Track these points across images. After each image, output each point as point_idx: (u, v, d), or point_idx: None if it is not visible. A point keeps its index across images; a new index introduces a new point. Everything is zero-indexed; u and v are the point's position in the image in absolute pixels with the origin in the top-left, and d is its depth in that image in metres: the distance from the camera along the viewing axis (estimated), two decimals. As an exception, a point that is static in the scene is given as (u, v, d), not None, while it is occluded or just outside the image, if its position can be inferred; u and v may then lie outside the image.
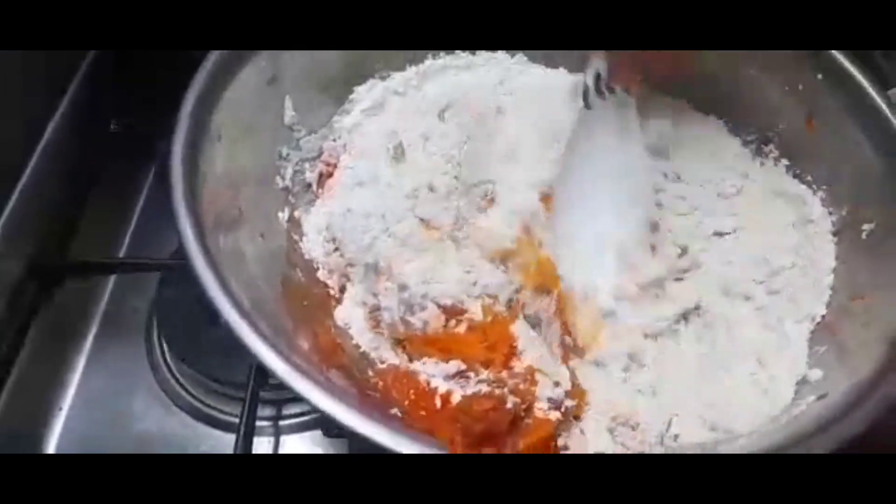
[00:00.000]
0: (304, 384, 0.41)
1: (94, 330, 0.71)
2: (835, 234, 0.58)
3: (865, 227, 0.56)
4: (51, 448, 0.64)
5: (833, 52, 0.58)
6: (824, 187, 0.60)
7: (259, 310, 0.46)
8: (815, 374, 0.50)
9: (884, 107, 0.56)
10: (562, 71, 0.70)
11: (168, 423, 0.66)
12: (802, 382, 0.50)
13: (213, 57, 0.54)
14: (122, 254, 0.77)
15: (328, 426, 0.61)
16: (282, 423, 0.66)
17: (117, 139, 0.81)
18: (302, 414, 0.66)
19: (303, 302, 0.56)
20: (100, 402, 0.67)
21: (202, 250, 0.46)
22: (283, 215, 0.59)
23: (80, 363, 0.69)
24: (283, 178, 0.60)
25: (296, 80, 0.61)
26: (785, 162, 0.63)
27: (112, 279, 0.74)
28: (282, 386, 0.61)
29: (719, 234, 0.61)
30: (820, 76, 0.60)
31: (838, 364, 0.50)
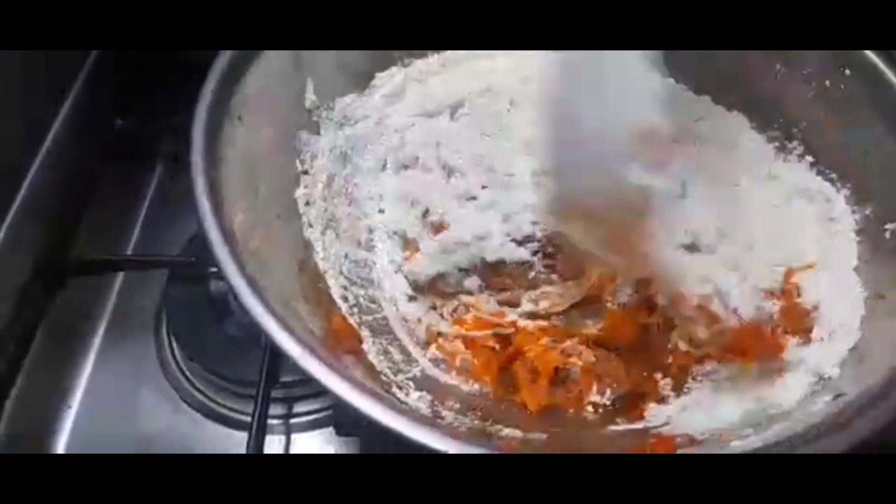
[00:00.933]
0: (316, 366, 0.41)
1: (102, 329, 0.71)
2: (858, 232, 0.57)
3: (889, 226, 0.55)
4: (60, 447, 0.64)
5: (861, 47, 0.57)
6: (849, 185, 0.59)
7: (273, 289, 0.47)
8: (833, 371, 0.49)
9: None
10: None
11: (178, 422, 0.65)
12: (820, 380, 0.49)
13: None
14: (129, 252, 0.77)
15: (340, 424, 0.61)
16: (293, 421, 0.66)
17: (123, 137, 0.82)
18: (313, 412, 0.66)
19: (318, 284, 0.56)
20: (109, 400, 0.67)
21: (218, 227, 0.46)
22: (301, 199, 0.60)
23: (89, 362, 0.69)
24: (301, 161, 0.60)
25: (318, 65, 0.62)
26: (809, 159, 0.62)
27: (119, 277, 0.74)
28: (293, 383, 0.64)
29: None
30: (847, 72, 0.59)
31: (856, 363, 0.49)
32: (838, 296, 0.54)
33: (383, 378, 0.52)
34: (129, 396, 0.67)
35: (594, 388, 0.55)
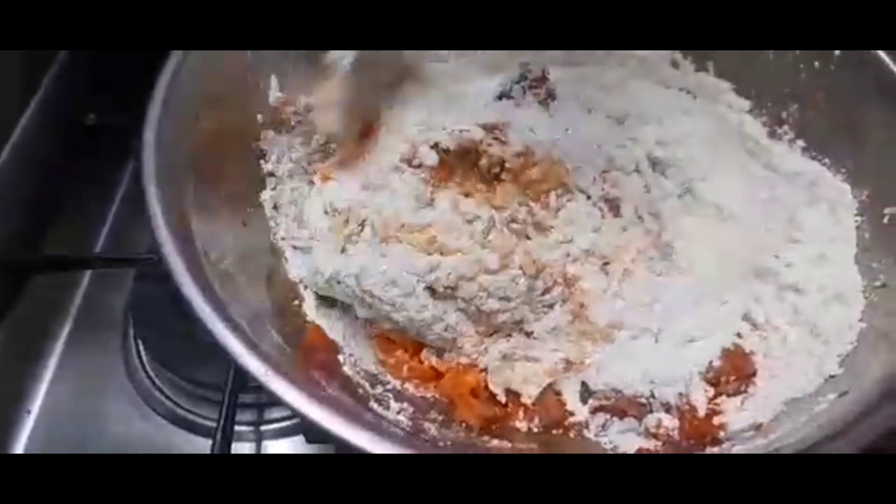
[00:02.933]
0: (281, 385, 0.37)
1: (66, 329, 0.68)
2: (856, 217, 0.54)
3: (888, 210, 0.52)
4: (18, 453, 0.61)
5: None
6: (843, 170, 0.57)
7: (239, 306, 0.43)
8: (836, 369, 0.47)
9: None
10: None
11: (143, 428, 0.63)
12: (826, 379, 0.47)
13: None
14: (97, 250, 0.73)
15: (310, 431, 0.58)
16: (263, 427, 0.63)
17: (95, 133, 0.78)
18: (285, 418, 0.63)
19: (289, 296, 0.52)
20: (71, 405, 0.64)
21: (174, 239, 0.42)
22: (269, 202, 0.56)
23: (51, 364, 0.66)
24: (267, 161, 0.57)
25: (280, 58, 0.58)
26: (801, 143, 0.60)
27: (87, 276, 0.71)
28: (262, 388, 0.61)
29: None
30: (837, 52, 0.57)
31: (860, 358, 0.47)
32: (836, 289, 0.51)
33: (360, 392, 0.48)
34: (92, 401, 0.64)
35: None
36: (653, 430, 0.47)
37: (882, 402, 0.40)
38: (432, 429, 0.47)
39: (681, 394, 0.48)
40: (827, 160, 0.58)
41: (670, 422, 0.47)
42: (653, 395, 0.48)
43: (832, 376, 0.47)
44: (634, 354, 0.50)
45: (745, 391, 0.48)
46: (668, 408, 0.48)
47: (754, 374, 0.49)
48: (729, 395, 0.48)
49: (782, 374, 0.49)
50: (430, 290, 0.49)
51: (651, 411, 0.48)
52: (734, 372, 0.49)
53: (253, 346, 0.39)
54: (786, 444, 0.41)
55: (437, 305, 0.49)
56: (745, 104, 0.62)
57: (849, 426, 0.39)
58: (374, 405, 0.47)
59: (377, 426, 0.40)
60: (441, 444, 0.46)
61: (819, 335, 0.49)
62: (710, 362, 0.49)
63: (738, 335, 0.51)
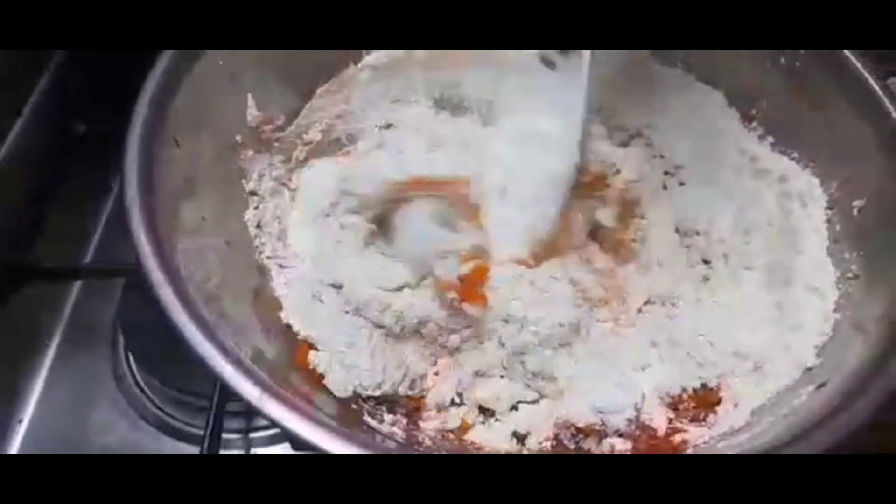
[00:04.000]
0: (274, 407, 0.38)
1: (56, 339, 0.69)
2: (826, 210, 0.56)
3: (856, 203, 0.54)
4: (9, 461, 0.61)
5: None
6: (811, 165, 0.58)
7: (226, 326, 0.44)
8: (813, 360, 0.48)
9: (871, 79, 0.54)
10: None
11: (133, 437, 0.63)
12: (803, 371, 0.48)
13: (165, 58, 0.51)
14: (88, 259, 0.73)
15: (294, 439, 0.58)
16: (252, 435, 0.64)
17: (86, 141, 0.78)
18: (273, 426, 0.63)
19: (276, 314, 0.53)
20: (61, 414, 0.64)
21: (160, 264, 0.43)
22: (252, 221, 0.56)
23: (42, 373, 0.66)
24: (248, 180, 0.57)
25: (257, 77, 0.58)
26: (770, 139, 0.61)
27: (76, 286, 0.71)
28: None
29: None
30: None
31: (836, 349, 0.48)
32: (811, 281, 0.53)
33: (353, 406, 0.49)
34: (83, 409, 0.64)
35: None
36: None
37: (859, 394, 0.42)
38: (427, 440, 0.48)
39: (629, 420, 0.50)
40: (796, 155, 0.59)
41: (623, 445, 0.49)
42: (603, 423, 0.50)
43: (809, 368, 0.48)
44: (583, 387, 0.52)
45: (705, 420, 0.50)
46: (619, 433, 0.50)
47: (718, 402, 0.51)
48: (690, 421, 0.50)
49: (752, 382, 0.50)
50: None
51: (606, 436, 0.50)
52: (696, 402, 0.51)
53: (242, 368, 0.39)
54: (765, 440, 0.42)
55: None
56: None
57: (827, 418, 0.41)
58: (368, 419, 0.48)
59: (371, 443, 0.41)
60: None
61: (796, 328, 0.51)
62: (668, 392, 0.52)
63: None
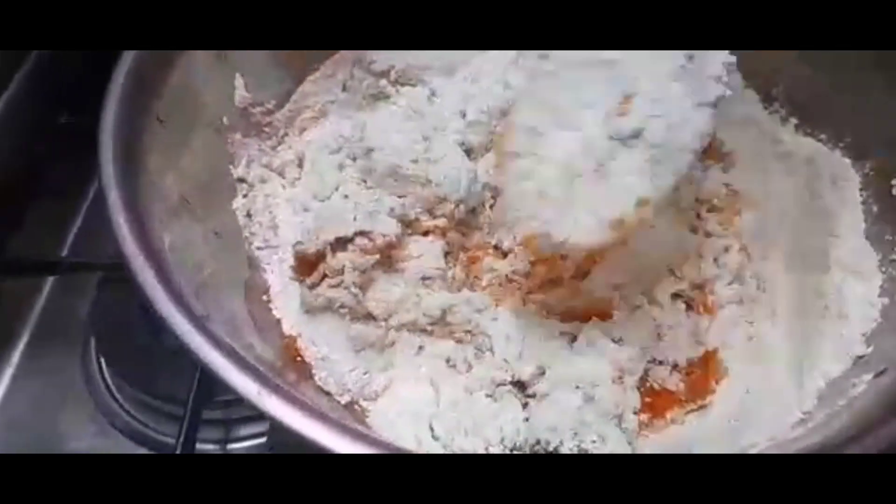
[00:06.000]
0: (273, 402, 0.33)
1: (24, 338, 0.64)
2: (861, 191, 0.52)
3: (895, 182, 0.50)
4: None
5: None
6: (840, 145, 0.55)
7: (215, 316, 0.39)
8: (863, 349, 0.44)
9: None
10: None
11: (102, 445, 0.58)
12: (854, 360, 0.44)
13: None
14: (64, 254, 0.69)
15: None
16: (231, 446, 0.59)
17: (66, 133, 0.72)
18: (253, 436, 0.59)
19: (269, 307, 0.48)
20: (26, 418, 0.60)
21: (142, 249, 0.38)
22: (241, 210, 0.51)
23: (7, 375, 0.62)
24: (236, 166, 0.52)
25: (247, 57, 0.54)
26: (794, 121, 0.58)
27: (49, 282, 0.67)
28: (229, 403, 0.56)
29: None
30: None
31: (889, 335, 0.44)
32: (851, 265, 0.49)
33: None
34: (49, 414, 0.60)
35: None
36: None
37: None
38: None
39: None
40: (823, 136, 0.56)
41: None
42: None
43: (860, 356, 0.44)
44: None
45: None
46: None
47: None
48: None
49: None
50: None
51: None
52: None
53: (239, 361, 0.34)
54: (827, 434, 0.38)
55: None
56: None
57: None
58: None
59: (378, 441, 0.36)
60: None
61: (839, 315, 0.47)
62: None
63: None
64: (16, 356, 0.63)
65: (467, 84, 0.57)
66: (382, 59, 0.58)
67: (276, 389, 0.33)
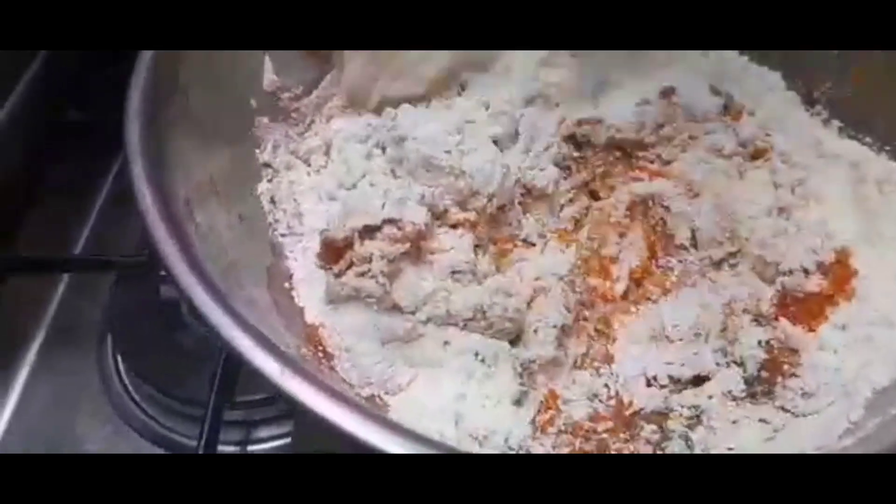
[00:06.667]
0: (296, 383, 0.31)
1: (39, 338, 0.64)
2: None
3: (946, 185, 0.48)
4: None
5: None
6: (887, 148, 0.53)
7: (240, 301, 0.37)
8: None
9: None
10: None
11: (119, 447, 0.58)
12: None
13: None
14: (77, 252, 0.69)
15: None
16: (252, 447, 0.58)
17: (78, 128, 0.74)
18: (275, 437, 0.58)
19: (290, 293, 0.46)
20: (41, 421, 0.59)
21: (171, 234, 0.36)
22: (266, 195, 0.50)
23: (22, 376, 0.62)
24: (262, 150, 0.51)
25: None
26: (837, 123, 0.56)
27: (64, 280, 0.66)
28: (253, 403, 0.56)
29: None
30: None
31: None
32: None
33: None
34: (64, 417, 0.59)
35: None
36: None
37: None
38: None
39: None
40: (868, 139, 0.54)
41: None
42: None
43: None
44: None
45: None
46: None
47: None
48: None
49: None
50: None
51: None
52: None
53: (263, 341, 0.33)
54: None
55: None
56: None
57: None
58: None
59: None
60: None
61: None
62: None
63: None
64: (29, 358, 0.63)
65: (496, 78, 0.57)
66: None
67: (299, 371, 0.32)
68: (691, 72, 0.58)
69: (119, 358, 0.61)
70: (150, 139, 0.40)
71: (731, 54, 0.60)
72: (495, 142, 0.52)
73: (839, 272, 0.49)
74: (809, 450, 0.39)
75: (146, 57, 0.43)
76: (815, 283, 0.48)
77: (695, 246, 0.51)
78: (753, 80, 0.59)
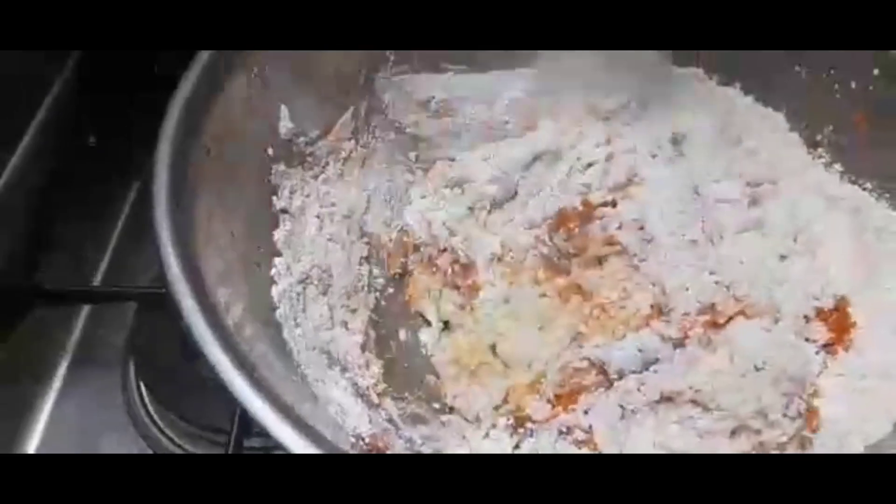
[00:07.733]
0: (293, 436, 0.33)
1: (63, 367, 0.64)
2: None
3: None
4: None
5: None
6: (887, 195, 0.54)
7: (255, 350, 0.39)
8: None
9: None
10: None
11: None
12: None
13: (199, 63, 0.47)
14: (97, 282, 0.69)
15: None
16: None
17: (96, 156, 0.73)
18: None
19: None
20: (68, 447, 0.59)
21: (188, 278, 0.38)
22: (282, 241, 0.52)
23: (47, 405, 0.62)
24: (279, 197, 0.53)
25: (290, 86, 0.54)
26: (838, 167, 0.57)
27: (85, 310, 0.66)
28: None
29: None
30: (876, 71, 0.54)
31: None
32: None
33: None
34: (90, 443, 0.60)
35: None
36: None
37: None
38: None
39: None
40: (868, 185, 0.55)
41: None
42: None
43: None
44: None
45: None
46: None
47: None
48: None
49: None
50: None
51: None
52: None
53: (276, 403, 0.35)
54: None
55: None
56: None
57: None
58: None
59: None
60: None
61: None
62: None
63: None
64: (54, 387, 0.63)
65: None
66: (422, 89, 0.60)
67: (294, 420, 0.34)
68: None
69: (143, 386, 0.61)
70: (174, 189, 0.42)
71: (737, 92, 0.61)
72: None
73: (839, 321, 0.50)
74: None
75: (175, 109, 0.45)
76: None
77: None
78: (757, 119, 0.61)
